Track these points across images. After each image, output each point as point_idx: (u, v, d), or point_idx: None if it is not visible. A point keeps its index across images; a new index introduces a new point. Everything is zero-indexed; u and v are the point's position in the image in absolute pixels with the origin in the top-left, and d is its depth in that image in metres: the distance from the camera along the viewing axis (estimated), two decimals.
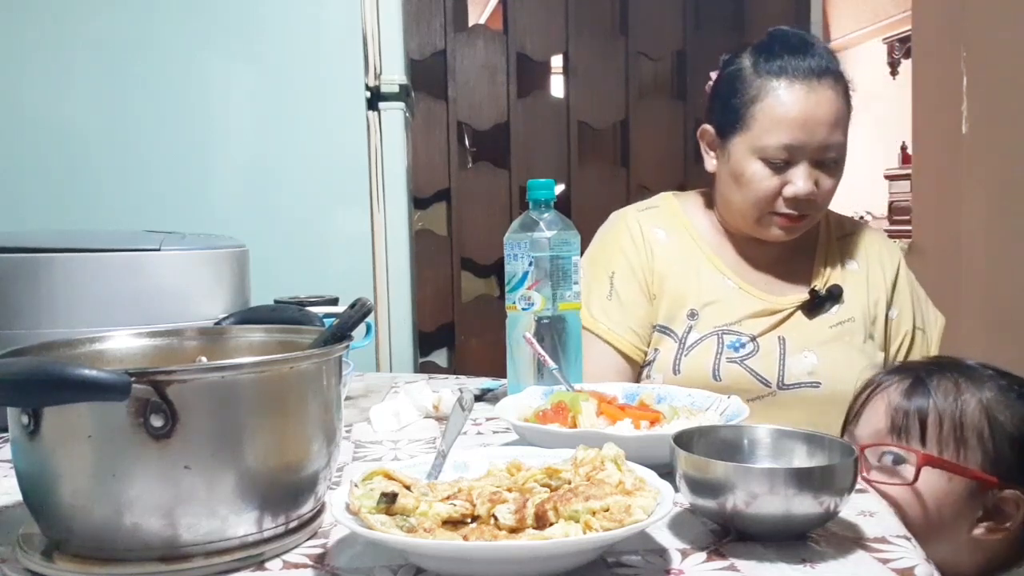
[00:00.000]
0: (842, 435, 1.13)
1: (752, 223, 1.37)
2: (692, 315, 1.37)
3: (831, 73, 1.32)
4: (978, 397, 1.03)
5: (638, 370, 1.40)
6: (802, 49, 1.33)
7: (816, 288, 1.39)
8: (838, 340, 1.37)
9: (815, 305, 1.39)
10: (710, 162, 1.42)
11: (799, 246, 1.45)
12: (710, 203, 1.47)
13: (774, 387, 1.33)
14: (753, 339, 1.35)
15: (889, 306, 1.44)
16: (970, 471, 1.00)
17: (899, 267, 1.47)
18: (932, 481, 1.00)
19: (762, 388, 1.32)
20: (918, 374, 1.07)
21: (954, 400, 1.03)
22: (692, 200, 1.49)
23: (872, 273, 1.44)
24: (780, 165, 1.31)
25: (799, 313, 1.39)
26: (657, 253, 1.40)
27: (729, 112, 1.36)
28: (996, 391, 1.04)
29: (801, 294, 1.39)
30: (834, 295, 1.39)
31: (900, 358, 1.43)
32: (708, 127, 1.42)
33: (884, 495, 0.99)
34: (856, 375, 1.34)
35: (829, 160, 1.32)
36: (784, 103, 1.30)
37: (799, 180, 1.31)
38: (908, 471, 1.00)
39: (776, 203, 1.34)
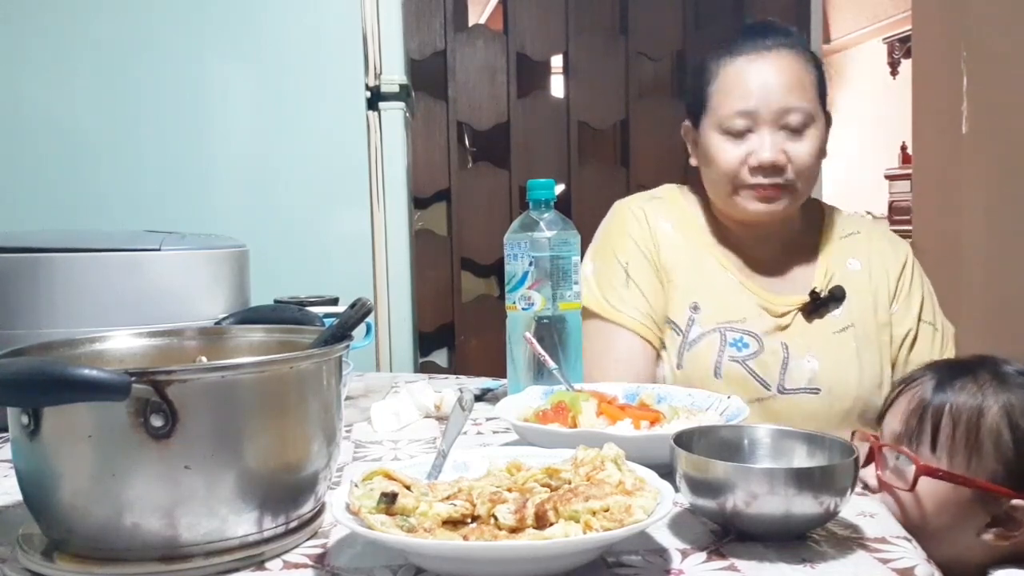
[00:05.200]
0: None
1: (729, 200, 1.37)
2: (694, 308, 1.36)
3: (785, 45, 1.35)
4: (1002, 402, 1.00)
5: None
6: (758, 31, 1.38)
7: (816, 290, 1.38)
8: (842, 346, 1.35)
9: (816, 307, 1.37)
10: (693, 158, 1.44)
11: (800, 247, 1.43)
12: (707, 200, 1.47)
13: (774, 391, 1.31)
14: (757, 339, 1.33)
15: (892, 301, 1.41)
16: (975, 482, 0.98)
17: (905, 262, 1.44)
18: (933, 488, 0.98)
19: (762, 390, 1.31)
20: (945, 375, 1.04)
21: (975, 405, 1.00)
22: (695, 195, 1.48)
23: (875, 271, 1.42)
24: (741, 134, 1.33)
25: (800, 316, 1.37)
26: (663, 244, 1.40)
27: (695, 100, 1.40)
28: None
29: (802, 296, 1.38)
30: (836, 297, 1.38)
31: (905, 351, 1.40)
32: (687, 123, 1.45)
33: (891, 494, 1.00)
34: (857, 384, 1.33)
35: (794, 125, 1.32)
36: (736, 73, 1.34)
37: (761, 147, 1.31)
38: (912, 474, 0.99)
39: (743, 174, 1.33)
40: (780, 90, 1.32)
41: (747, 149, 1.32)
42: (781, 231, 1.42)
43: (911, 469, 0.99)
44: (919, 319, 1.41)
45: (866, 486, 1.01)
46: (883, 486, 1.01)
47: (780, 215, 1.37)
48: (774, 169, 1.32)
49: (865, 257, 1.43)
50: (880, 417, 1.11)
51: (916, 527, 0.96)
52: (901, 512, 0.99)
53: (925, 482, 0.98)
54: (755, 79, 1.33)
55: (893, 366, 1.40)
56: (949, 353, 1.41)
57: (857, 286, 1.40)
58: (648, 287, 1.37)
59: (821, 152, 1.37)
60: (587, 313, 1.34)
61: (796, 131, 1.32)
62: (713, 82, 1.36)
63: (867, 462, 1.03)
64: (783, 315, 1.36)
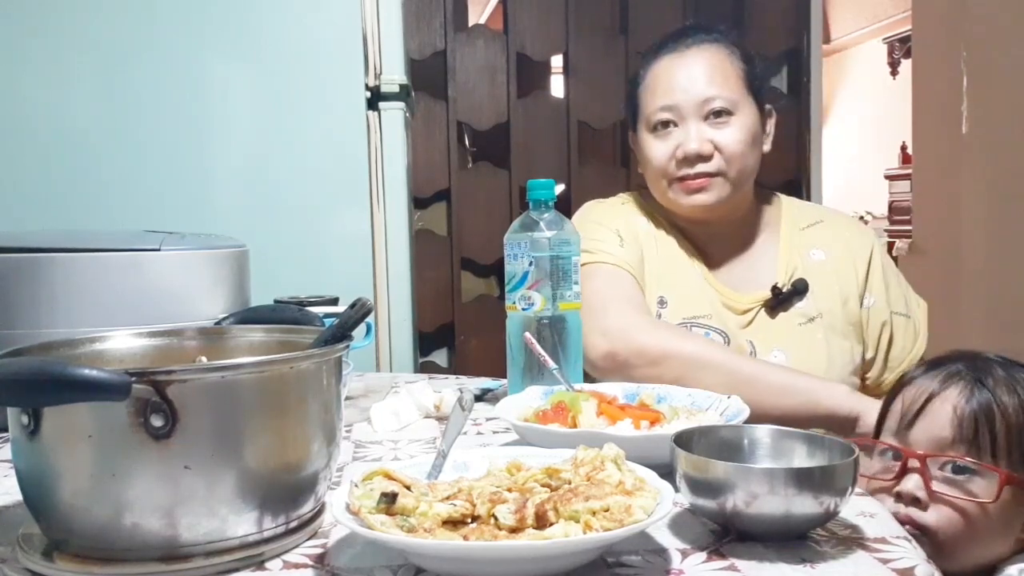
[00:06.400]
0: (876, 437, 1.09)
1: (667, 197, 1.39)
2: (661, 303, 1.36)
3: (707, 40, 1.38)
4: None
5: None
6: (680, 32, 1.42)
7: (778, 285, 1.37)
8: (809, 337, 1.35)
9: (779, 302, 1.37)
10: (640, 165, 1.46)
11: (760, 242, 1.43)
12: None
13: None
14: (723, 335, 1.33)
15: (863, 294, 1.40)
16: None
17: (872, 252, 1.42)
18: (1005, 495, 0.97)
19: None
20: (974, 374, 1.02)
21: (1018, 403, 0.99)
22: (653, 200, 1.48)
23: (841, 262, 1.41)
24: (668, 129, 1.36)
25: (763, 311, 1.37)
26: (639, 232, 1.42)
27: (630, 108, 1.44)
28: None
29: (764, 292, 1.37)
30: (799, 290, 1.37)
31: (883, 347, 1.39)
32: (631, 132, 1.47)
33: (952, 507, 0.97)
34: (826, 372, 1.32)
35: (717, 112, 1.34)
36: (658, 72, 1.38)
37: (687, 139, 1.34)
38: (978, 483, 0.97)
39: (671, 168, 1.36)
40: (700, 81, 1.35)
41: (674, 143, 1.35)
42: (739, 229, 1.43)
43: (974, 479, 0.97)
44: (892, 311, 1.41)
45: (916, 500, 0.98)
46: (936, 499, 0.98)
47: (716, 207, 1.36)
48: (700, 158, 1.34)
49: (829, 246, 1.42)
50: (907, 427, 1.04)
51: (977, 534, 0.96)
52: (965, 523, 0.97)
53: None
54: (676, 75, 1.36)
55: (873, 360, 1.40)
56: (922, 339, 1.41)
57: (822, 276, 1.39)
58: (637, 254, 1.38)
59: (754, 141, 1.37)
60: None
61: (721, 120, 1.34)
62: (641, 84, 1.41)
63: (900, 474, 1.00)
64: (746, 312, 1.37)
